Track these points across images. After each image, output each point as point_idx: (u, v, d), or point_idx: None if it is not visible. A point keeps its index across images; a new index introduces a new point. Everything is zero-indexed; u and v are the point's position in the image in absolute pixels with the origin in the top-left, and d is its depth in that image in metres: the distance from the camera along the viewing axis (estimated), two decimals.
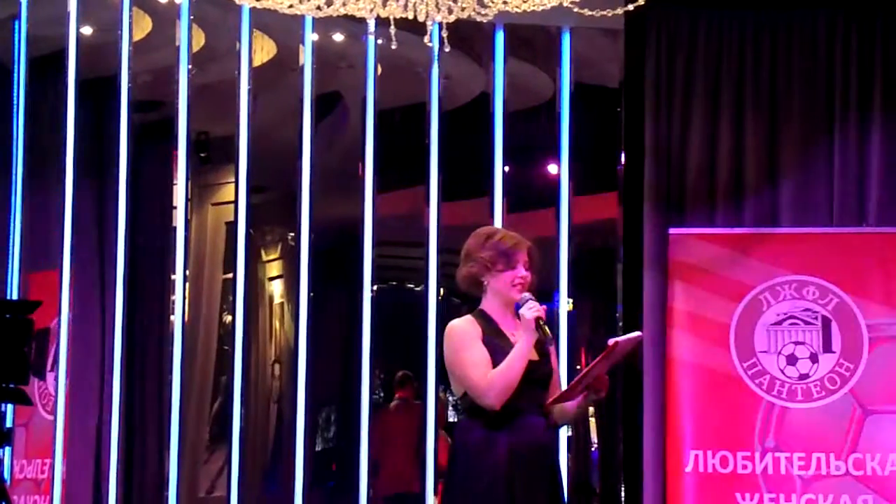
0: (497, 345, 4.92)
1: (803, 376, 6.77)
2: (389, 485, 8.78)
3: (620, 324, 7.36)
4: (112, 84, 7.71)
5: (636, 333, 5.11)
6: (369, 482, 7.66)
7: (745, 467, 6.70)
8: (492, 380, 4.82)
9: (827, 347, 6.79)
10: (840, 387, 6.74)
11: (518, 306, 4.93)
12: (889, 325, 6.77)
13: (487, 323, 4.94)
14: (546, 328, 4.89)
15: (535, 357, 4.92)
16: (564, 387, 5.07)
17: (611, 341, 4.91)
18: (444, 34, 5.26)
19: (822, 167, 7.15)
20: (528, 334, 4.86)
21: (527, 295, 4.93)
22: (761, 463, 6.69)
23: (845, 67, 7.17)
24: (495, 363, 4.87)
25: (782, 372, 6.78)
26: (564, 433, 7.53)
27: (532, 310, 4.86)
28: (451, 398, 5.75)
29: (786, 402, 6.75)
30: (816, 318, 6.81)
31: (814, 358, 6.79)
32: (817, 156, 7.16)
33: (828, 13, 7.18)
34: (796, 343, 6.80)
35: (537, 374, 4.94)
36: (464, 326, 4.93)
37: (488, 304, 4.99)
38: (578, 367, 8.17)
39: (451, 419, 8.83)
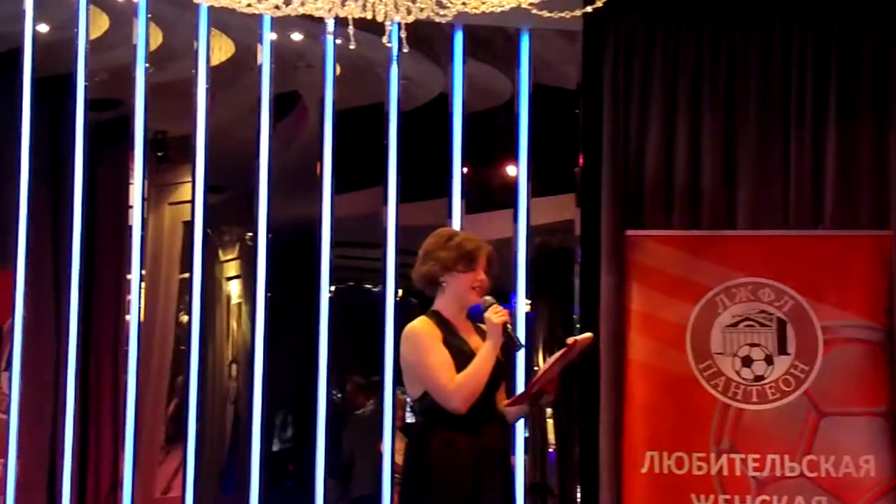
0: (455, 346, 4.92)
1: (758, 378, 6.80)
2: (361, 486, 8.79)
3: (578, 325, 7.38)
4: (68, 82, 7.67)
5: (588, 334, 5.15)
6: (326, 483, 7.66)
7: (700, 468, 6.72)
8: (460, 384, 4.82)
9: (782, 349, 6.82)
10: (795, 388, 6.78)
11: (479, 309, 4.94)
12: (844, 327, 6.81)
13: (444, 324, 4.95)
14: (514, 335, 4.91)
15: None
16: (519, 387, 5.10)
17: (569, 340, 4.94)
18: (403, 34, 5.25)
19: (778, 170, 7.19)
20: (494, 339, 4.87)
21: (490, 299, 4.95)
22: (716, 464, 6.72)
23: (801, 73, 7.21)
24: (455, 365, 4.87)
25: (738, 373, 6.80)
26: (521, 434, 7.54)
27: (499, 314, 4.87)
28: (407, 399, 5.75)
29: (741, 403, 6.78)
30: (772, 320, 6.84)
31: (769, 360, 6.81)
32: (773, 159, 7.20)
33: (784, 19, 7.23)
34: (752, 345, 6.83)
35: (494, 375, 4.95)
36: (424, 328, 4.92)
37: (443, 305, 4.99)
38: (536, 367, 8.19)
39: (407, 420, 8.82)
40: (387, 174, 7.79)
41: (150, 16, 7.65)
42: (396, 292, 7.75)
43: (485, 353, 4.87)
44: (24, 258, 7.61)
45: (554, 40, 7.79)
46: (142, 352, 7.75)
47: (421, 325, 4.95)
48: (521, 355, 7.31)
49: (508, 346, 4.96)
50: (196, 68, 7.68)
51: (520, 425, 7.45)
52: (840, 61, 7.19)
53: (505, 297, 7.72)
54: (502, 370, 5.03)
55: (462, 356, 4.90)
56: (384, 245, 7.78)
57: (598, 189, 7.20)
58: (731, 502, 6.68)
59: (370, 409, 9.12)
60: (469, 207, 7.78)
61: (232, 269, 10.06)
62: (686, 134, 7.21)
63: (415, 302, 7.13)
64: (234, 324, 9.81)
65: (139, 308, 7.75)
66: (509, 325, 4.89)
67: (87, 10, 7.61)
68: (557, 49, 7.83)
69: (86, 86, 7.65)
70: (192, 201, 7.74)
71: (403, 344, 4.97)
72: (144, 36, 7.66)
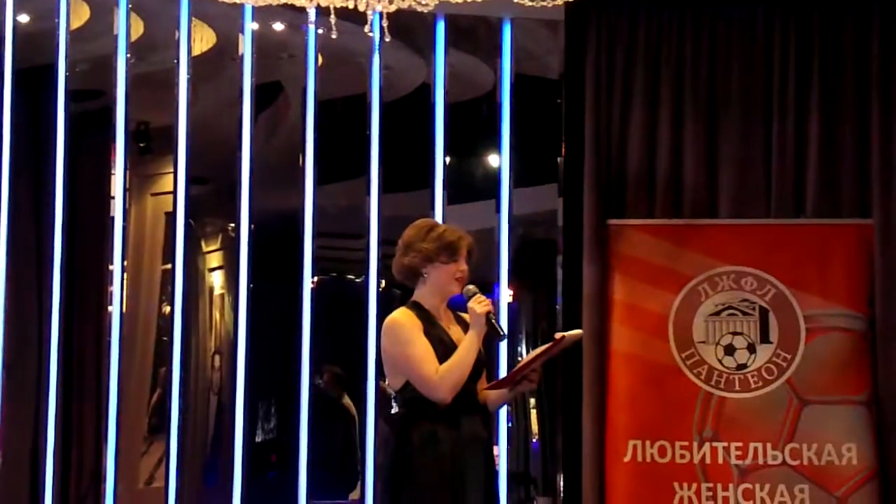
0: (436, 337, 4.93)
1: (741, 366, 6.82)
2: (343, 478, 8.81)
3: (560, 315, 7.38)
4: (49, 73, 7.63)
5: (578, 331, 5.16)
6: (309, 474, 7.65)
7: (682, 457, 6.74)
8: (443, 375, 4.83)
9: (764, 338, 6.84)
10: (777, 377, 6.80)
11: (461, 299, 4.94)
12: (825, 315, 6.84)
13: (424, 315, 4.95)
14: (497, 325, 4.91)
15: None
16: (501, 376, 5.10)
17: (557, 335, 4.94)
18: (385, 24, 5.24)
19: (760, 159, 7.21)
20: (477, 328, 4.87)
21: (473, 288, 4.96)
22: (699, 452, 6.73)
23: (783, 61, 7.23)
24: (436, 355, 4.87)
25: (720, 362, 6.82)
26: (504, 424, 7.54)
27: (482, 304, 4.88)
28: (389, 390, 5.76)
29: (724, 391, 6.80)
30: (754, 309, 6.86)
31: (751, 348, 6.84)
32: (755, 148, 7.21)
33: (766, 7, 7.24)
34: (734, 333, 6.85)
35: (475, 365, 4.95)
36: (406, 320, 4.92)
37: (423, 296, 4.99)
38: (519, 358, 8.20)
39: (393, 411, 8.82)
40: (369, 165, 7.78)
41: (131, 6, 7.62)
42: (379, 283, 7.75)
43: (468, 343, 4.87)
44: (5, 249, 7.58)
45: (536, 30, 7.79)
46: (124, 343, 7.73)
47: (402, 316, 4.96)
48: (503, 345, 7.31)
49: (491, 335, 4.97)
50: (178, 59, 7.66)
51: (502, 415, 7.46)
52: (822, 50, 7.21)
53: (488, 287, 7.72)
54: (483, 360, 5.03)
55: (443, 347, 4.90)
56: (367, 236, 7.77)
57: (581, 179, 7.20)
58: (714, 490, 6.69)
59: (352, 401, 9.11)
60: (451, 198, 7.77)
61: (214, 259, 10.02)
62: (668, 123, 7.22)
63: (398, 293, 7.13)
64: (216, 315, 9.77)
65: (121, 299, 7.73)
66: (492, 315, 4.90)
67: (68, 0, 7.58)
68: (540, 39, 7.83)
69: (67, 76, 7.62)
70: (175, 192, 7.73)
71: (384, 336, 4.97)
72: (126, 26, 7.63)
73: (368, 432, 7.68)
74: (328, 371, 9.35)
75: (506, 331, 4.99)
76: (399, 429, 4.97)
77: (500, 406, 5.30)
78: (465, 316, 5.03)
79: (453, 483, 4.84)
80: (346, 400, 9.21)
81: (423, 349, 4.87)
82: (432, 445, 4.85)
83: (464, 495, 4.84)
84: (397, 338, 4.92)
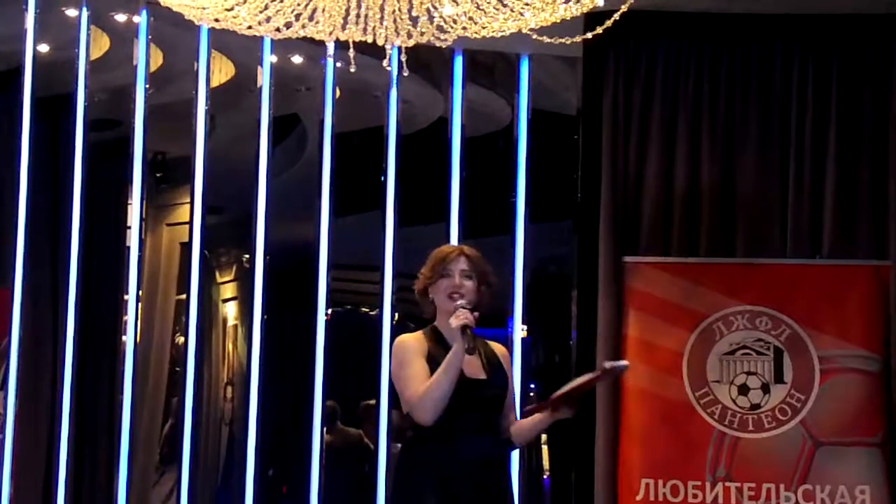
0: (441, 361, 4.81)
1: (755, 406, 6.79)
2: None
3: (574, 350, 7.36)
4: (68, 102, 7.67)
5: (624, 362, 5.12)
6: None
7: (695, 496, 6.70)
8: (421, 395, 4.71)
9: (779, 378, 6.81)
10: (791, 417, 6.77)
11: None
12: (841, 356, 6.80)
13: (436, 339, 4.84)
14: (471, 336, 4.74)
15: (481, 376, 4.85)
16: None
17: (607, 364, 4.93)
18: (403, 58, 5.25)
19: (777, 199, 7.19)
20: (456, 344, 4.73)
21: (460, 302, 4.80)
22: (712, 492, 6.70)
23: (801, 101, 7.22)
24: None
25: (734, 402, 6.79)
26: (516, 460, 7.51)
27: (459, 318, 4.74)
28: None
29: (737, 431, 6.76)
30: (769, 349, 6.83)
31: (765, 388, 6.81)
32: (772, 187, 7.20)
33: (785, 45, 7.24)
34: (748, 373, 6.82)
35: (484, 393, 4.86)
36: (408, 342, 4.84)
37: (439, 320, 4.91)
38: (532, 393, 8.18)
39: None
40: (385, 197, 7.79)
41: (150, 37, 7.66)
42: (393, 316, 7.75)
43: (446, 361, 4.71)
44: (21, 277, 7.61)
45: (554, 66, 7.81)
46: (138, 373, 7.74)
47: (407, 338, 4.86)
48: (515, 380, 7.29)
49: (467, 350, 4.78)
50: (196, 89, 7.68)
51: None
52: (840, 90, 7.20)
53: (502, 321, 7.72)
54: (493, 389, 4.91)
55: None
56: (382, 268, 7.78)
57: (597, 215, 7.19)
58: None
59: (365, 433, 9.11)
60: (467, 232, 7.78)
61: (229, 290, 10.05)
62: (685, 160, 7.21)
63: (412, 326, 7.11)
64: (229, 346, 9.80)
65: (136, 329, 7.74)
66: (469, 328, 4.73)
67: (88, 30, 7.62)
68: (557, 74, 7.84)
69: (86, 106, 7.65)
70: (191, 222, 7.74)
71: (391, 356, 4.92)
72: (145, 57, 7.67)
73: (381, 464, 7.66)
74: (340, 403, 9.35)
75: (474, 345, 4.77)
76: (404, 451, 4.93)
77: (534, 436, 5.12)
78: (494, 344, 4.96)
79: None
80: (359, 432, 9.21)
81: (414, 371, 4.74)
82: (434, 468, 4.77)
83: None
84: (396, 358, 4.85)
